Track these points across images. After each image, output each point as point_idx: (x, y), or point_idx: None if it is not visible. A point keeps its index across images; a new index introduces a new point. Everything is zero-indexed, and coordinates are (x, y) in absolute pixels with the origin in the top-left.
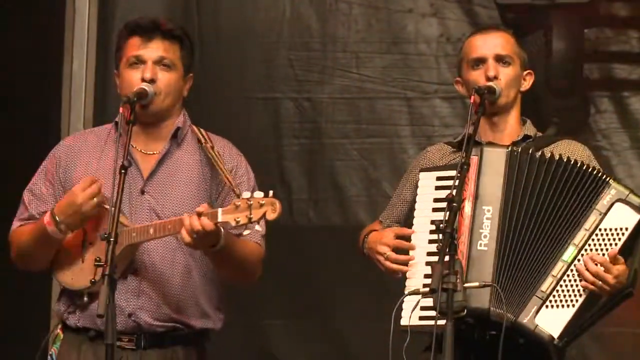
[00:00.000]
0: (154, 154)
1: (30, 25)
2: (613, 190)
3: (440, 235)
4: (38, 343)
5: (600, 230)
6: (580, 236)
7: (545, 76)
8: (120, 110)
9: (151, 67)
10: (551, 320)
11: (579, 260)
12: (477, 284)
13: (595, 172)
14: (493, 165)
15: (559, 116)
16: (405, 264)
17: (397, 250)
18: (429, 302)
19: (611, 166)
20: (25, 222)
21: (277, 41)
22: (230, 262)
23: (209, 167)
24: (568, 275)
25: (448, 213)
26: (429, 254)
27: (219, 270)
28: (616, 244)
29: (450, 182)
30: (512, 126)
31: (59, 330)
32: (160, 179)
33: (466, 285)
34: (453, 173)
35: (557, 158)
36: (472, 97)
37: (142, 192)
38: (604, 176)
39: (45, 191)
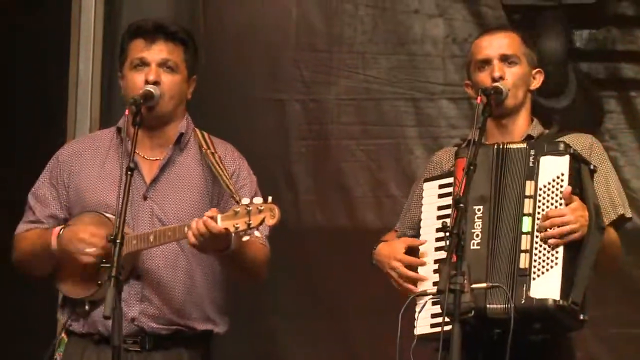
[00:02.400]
0: (156, 160)
1: (36, 26)
2: (532, 151)
3: (447, 239)
4: (45, 345)
5: (541, 189)
6: (527, 205)
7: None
8: (126, 112)
9: (155, 69)
10: (544, 287)
11: (538, 228)
12: (484, 284)
13: (515, 147)
14: (482, 165)
15: (562, 115)
16: (416, 281)
17: (408, 266)
18: (439, 309)
19: (618, 166)
20: (31, 227)
21: (283, 42)
22: (239, 264)
23: (210, 170)
24: (536, 242)
25: (455, 214)
26: (437, 261)
27: (228, 272)
28: (561, 192)
29: (451, 189)
30: (521, 127)
31: (63, 335)
32: (162, 185)
33: (473, 286)
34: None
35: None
36: (479, 97)
37: (145, 197)
38: (520, 144)
39: (50, 195)
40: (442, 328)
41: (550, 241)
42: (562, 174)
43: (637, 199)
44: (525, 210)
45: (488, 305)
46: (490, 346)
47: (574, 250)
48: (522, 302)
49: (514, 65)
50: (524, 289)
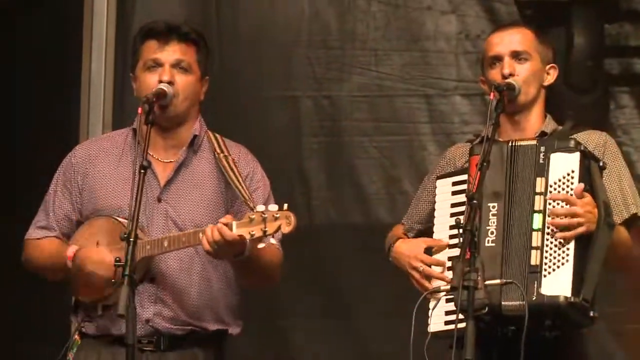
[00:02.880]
0: (170, 162)
1: (48, 27)
2: (542, 148)
3: (461, 236)
4: (58, 345)
5: (551, 186)
6: (537, 202)
7: (564, 73)
8: (139, 111)
9: (168, 69)
10: (555, 284)
11: (548, 224)
12: (498, 281)
13: (525, 144)
14: (495, 161)
15: (577, 111)
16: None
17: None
18: (453, 306)
19: (631, 162)
20: (43, 234)
21: (296, 39)
22: (254, 270)
23: (224, 175)
24: (547, 239)
25: (468, 210)
26: (450, 259)
27: (242, 279)
28: (572, 189)
29: (466, 186)
30: (534, 124)
31: (76, 337)
32: (177, 187)
33: (487, 282)
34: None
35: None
36: (492, 93)
37: (159, 200)
38: (530, 141)
39: (63, 198)
40: (456, 325)
41: (558, 235)
42: (573, 171)
43: None
44: (536, 207)
45: (503, 303)
46: (505, 343)
47: (584, 247)
48: (534, 298)
49: (525, 62)
50: (535, 286)
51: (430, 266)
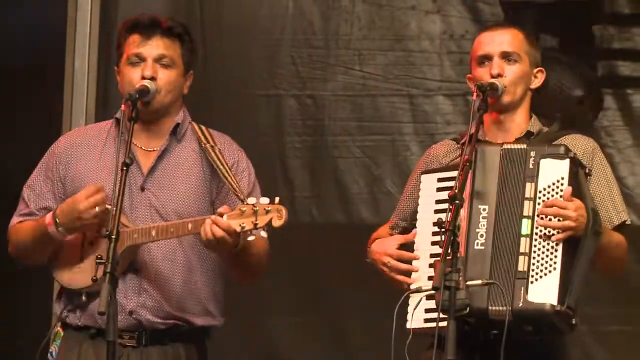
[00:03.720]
0: (154, 150)
1: (32, 21)
2: (532, 152)
3: (443, 235)
4: (39, 339)
5: (540, 192)
6: (526, 207)
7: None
8: (122, 107)
9: (151, 64)
10: (542, 291)
11: (536, 227)
12: (479, 281)
13: (516, 148)
14: (488, 164)
15: (563, 112)
16: (409, 273)
17: (400, 260)
18: (433, 304)
19: (614, 163)
20: (25, 218)
21: (280, 38)
22: (243, 263)
23: (209, 164)
24: (535, 246)
25: (450, 211)
26: (432, 255)
27: (231, 271)
28: (561, 196)
29: (451, 183)
30: (519, 125)
31: (58, 328)
32: (159, 175)
33: (468, 283)
34: (454, 173)
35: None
36: (475, 94)
37: (142, 189)
38: (521, 145)
39: (45, 187)
40: (437, 324)
41: (554, 237)
42: (562, 178)
43: (632, 196)
44: (525, 213)
45: (490, 307)
46: (487, 347)
47: (571, 254)
48: (520, 305)
49: (514, 63)
50: (522, 292)
51: (404, 260)
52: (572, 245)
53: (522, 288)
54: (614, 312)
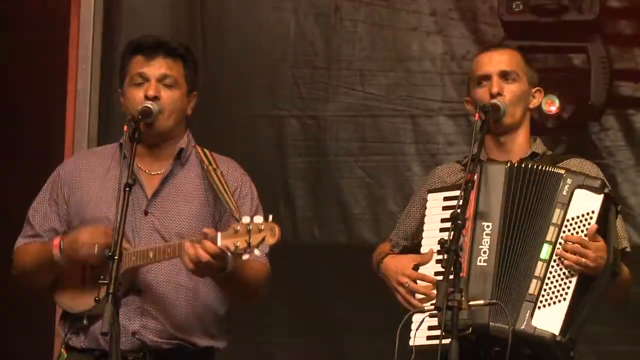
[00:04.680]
0: (157, 174)
1: (35, 42)
2: (569, 180)
3: (446, 255)
4: (39, 342)
5: (568, 221)
6: (550, 232)
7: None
8: (125, 128)
9: (154, 84)
10: (547, 319)
11: (556, 254)
12: (482, 302)
13: (549, 169)
14: (493, 182)
15: (568, 134)
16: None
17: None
18: (436, 321)
19: (616, 183)
20: (30, 240)
21: (282, 59)
22: (238, 284)
23: (212, 187)
24: (551, 272)
25: (452, 231)
26: (437, 274)
27: (227, 293)
28: (587, 229)
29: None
30: (520, 145)
31: (62, 350)
32: (163, 199)
33: (471, 303)
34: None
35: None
36: (477, 114)
37: (146, 212)
38: (557, 169)
39: (50, 209)
40: (440, 342)
41: (566, 262)
42: (593, 212)
43: (634, 216)
44: (548, 237)
45: (492, 323)
46: None
47: (584, 288)
48: (523, 327)
49: (513, 82)
50: (527, 315)
51: (416, 282)
52: (587, 279)
53: (529, 311)
54: (615, 331)
